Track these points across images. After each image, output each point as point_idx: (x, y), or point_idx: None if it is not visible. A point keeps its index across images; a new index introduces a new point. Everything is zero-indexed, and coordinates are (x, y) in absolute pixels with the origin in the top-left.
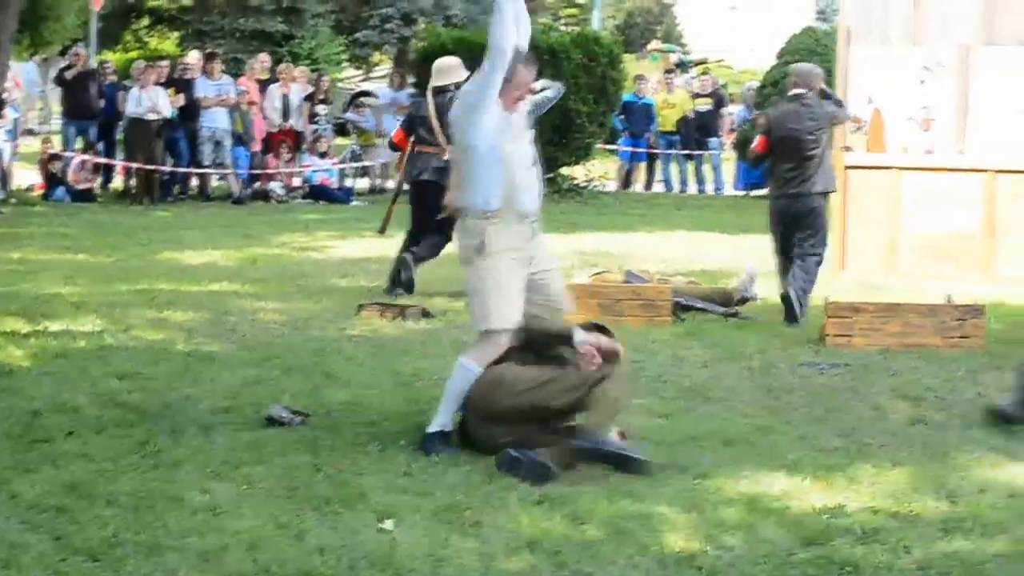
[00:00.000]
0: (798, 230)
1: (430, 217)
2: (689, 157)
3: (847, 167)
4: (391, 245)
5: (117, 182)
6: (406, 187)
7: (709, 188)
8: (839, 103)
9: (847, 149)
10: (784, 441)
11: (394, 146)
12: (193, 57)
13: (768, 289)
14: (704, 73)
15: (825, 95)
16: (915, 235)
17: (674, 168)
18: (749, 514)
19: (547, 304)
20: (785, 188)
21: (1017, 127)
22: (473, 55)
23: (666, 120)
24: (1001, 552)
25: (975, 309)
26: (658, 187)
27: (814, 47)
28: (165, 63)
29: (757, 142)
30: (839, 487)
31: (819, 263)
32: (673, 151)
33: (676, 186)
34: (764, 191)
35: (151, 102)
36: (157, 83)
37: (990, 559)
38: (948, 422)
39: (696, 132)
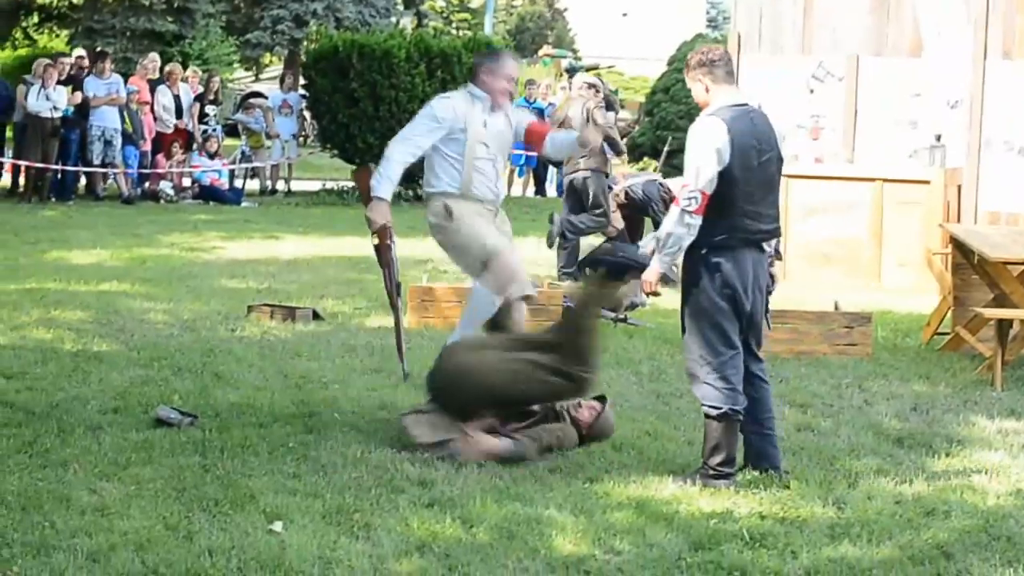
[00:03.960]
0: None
1: None
2: None
3: None
4: (279, 247)
5: (5, 180)
6: None
7: None
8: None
9: None
10: (673, 446)
11: None
12: (76, 54)
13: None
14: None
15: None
16: (803, 243)
17: None
18: (638, 518)
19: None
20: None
21: (903, 137)
22: (363, 58)
23: None
24: (887, 558)
25: (862, 317)
26: (551, 192)
27: None
28: (68, 60)
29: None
30: (727, 492)
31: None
32: None
33: None
34: None
35: (51, 100)
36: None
37: (876, 565)
38: (835, 429)
39: None
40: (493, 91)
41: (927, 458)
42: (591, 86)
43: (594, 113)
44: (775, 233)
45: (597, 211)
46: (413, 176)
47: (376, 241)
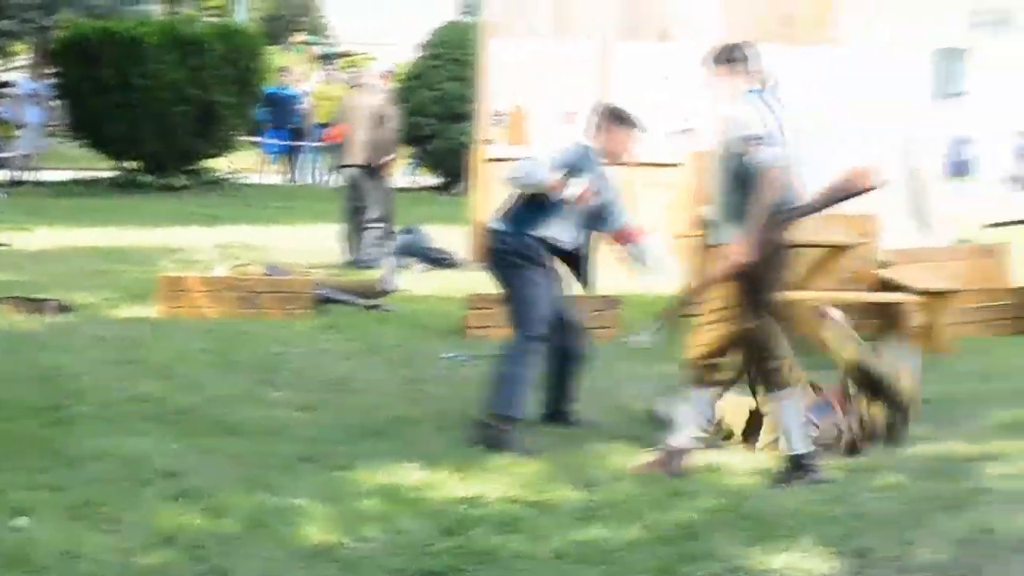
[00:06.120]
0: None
1: None
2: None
3: (488, 160)
4: (28, 239)
5: None
6: None
7: None
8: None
9: (488, 142)
10: (424, 432)
11: None
12: None
13: (409, 281)
14: (352, 65)
15: None
16: None
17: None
18: (388, 505)
19: None
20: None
21: (655, 120)
22: (113, 45)
23: (322, 112)
24: (635, 539)
25: (612, 300)
26: (305, 179)
27: (460, 40)
28: None
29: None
30: (477, 477)
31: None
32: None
33: (323, 178)
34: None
35: None
36: None
37: (624, 546)
38: (586, 411)
39: None
40: None
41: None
42: (388, 73)
43: (386, 111)
44: None
45: (374, 219)
46: (163, 166)
47: None
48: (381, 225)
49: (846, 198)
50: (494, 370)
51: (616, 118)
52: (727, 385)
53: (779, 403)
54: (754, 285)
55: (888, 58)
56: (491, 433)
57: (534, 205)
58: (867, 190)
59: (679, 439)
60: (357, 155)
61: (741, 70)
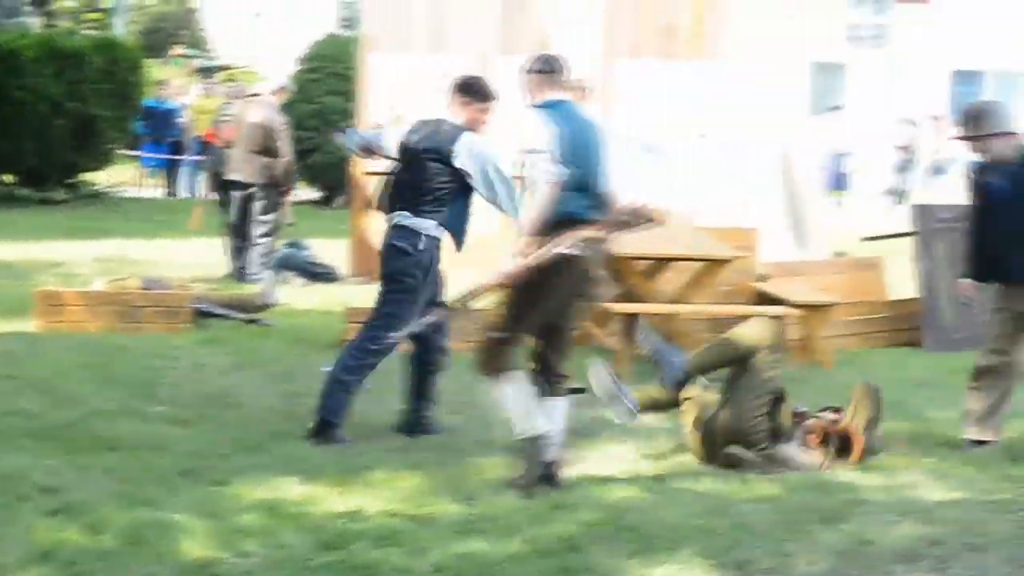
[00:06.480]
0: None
1: None
2: None
3: (368, 174)
4: None
5: None
6: None
7: None
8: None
9: None
10: (304, 447)
11: None
12: None
13: (289, 295)
14: (232, 79)
15: None
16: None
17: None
18: (268, 520)
19: None
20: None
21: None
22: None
23: (201, 125)
24: (515, 553)
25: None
26: (183, 192)
27: (339, 54)
28: None
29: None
30: (357, 492)
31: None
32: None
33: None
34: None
35: None
36: None
37: (505, 559)
38: (464, 425)
39: None
40: None
41: None
42: (282, 89)
43: (279, 137)
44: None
45: (262, 235)
46: (42, 179)
47: None
48: (269, 240)
49: (626, 228)
50: (339, 374)
51: (467, 91)
52: (552, 383)
53: (500, 389)
54: (522, 294)
55: (767, 72)
56: (328, 433)
57: (462, 195)
58: (647, 222)
59: (545, 452)
60: (244, 171)
61: (552, 81)
